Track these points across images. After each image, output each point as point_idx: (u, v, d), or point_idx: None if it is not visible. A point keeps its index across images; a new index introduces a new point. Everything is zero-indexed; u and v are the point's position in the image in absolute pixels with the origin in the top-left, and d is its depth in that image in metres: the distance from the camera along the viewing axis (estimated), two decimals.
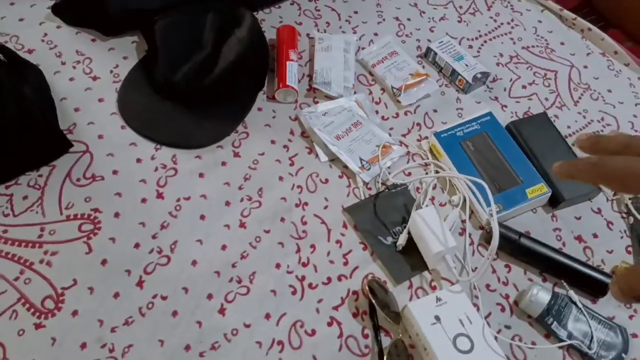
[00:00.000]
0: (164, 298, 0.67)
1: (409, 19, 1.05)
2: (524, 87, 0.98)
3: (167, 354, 0.64)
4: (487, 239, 0.77)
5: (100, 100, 0.83)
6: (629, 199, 0.82)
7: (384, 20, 1.04)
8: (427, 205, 0.79)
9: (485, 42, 1.04)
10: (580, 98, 0.98)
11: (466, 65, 0.95)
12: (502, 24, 1.07)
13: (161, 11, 0.88)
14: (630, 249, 0.79)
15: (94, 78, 0.85)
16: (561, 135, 0.87)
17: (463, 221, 0.79)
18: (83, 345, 0.63)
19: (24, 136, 0.73)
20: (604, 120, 0.95)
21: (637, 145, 0.33)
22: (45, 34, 0.89)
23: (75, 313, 0.65)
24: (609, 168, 0.32)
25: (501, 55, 1.02)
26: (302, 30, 1.00)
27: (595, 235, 0.80)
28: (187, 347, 0.64)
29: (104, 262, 0.69)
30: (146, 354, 0.63)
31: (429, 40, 1.01)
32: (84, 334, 0.63)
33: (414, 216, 0.74)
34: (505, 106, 0.94)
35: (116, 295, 0.67)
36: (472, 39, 1.04)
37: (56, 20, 0.91)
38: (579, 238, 0.80)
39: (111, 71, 0.87)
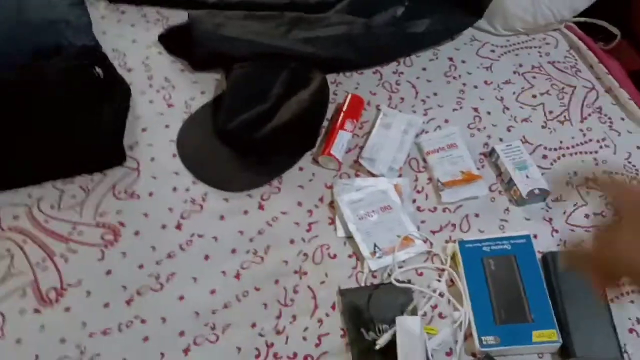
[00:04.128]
0: (143, 321, 0.74)
1: (488, 112, 1.01)
2: (587, 216, 0.88)
3: None
4: None
5: (167, 126, 0.93)
6: None
7: (461, 108, 1.01)
8: (424, 314, 0.76)
9: (563, 155, 0.96)
10: None
11: (527, 176, 0.89)
12: (590, 140, 0.98)
13: (245, 59, 0.96)
14: None
15: (170, 105, 0.96)
16: None
17: (456, 342, 0.74)
18: (62, 340, 0.71)
19: (90, 146, 0.86)
20: None
21: None
22: (147, 57, 1.02)
23: (68, 309, 0.74)
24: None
25: (576, 174, 0.93)
26: (374, 100, 1.01)
27: None
28: None
29: (109, 272, 0.77)
30: None
31: (500, 140, 0.96)
32: (66, 331, 0.72)
33: (397, 321, 0.72)
34: (557, 231, 0.86)
35: (106, 305, 0.75)
36: (550, 149, 0.96)
37: (160, 47, 1.03)
38: None
39: (186, 102, 0.96)
